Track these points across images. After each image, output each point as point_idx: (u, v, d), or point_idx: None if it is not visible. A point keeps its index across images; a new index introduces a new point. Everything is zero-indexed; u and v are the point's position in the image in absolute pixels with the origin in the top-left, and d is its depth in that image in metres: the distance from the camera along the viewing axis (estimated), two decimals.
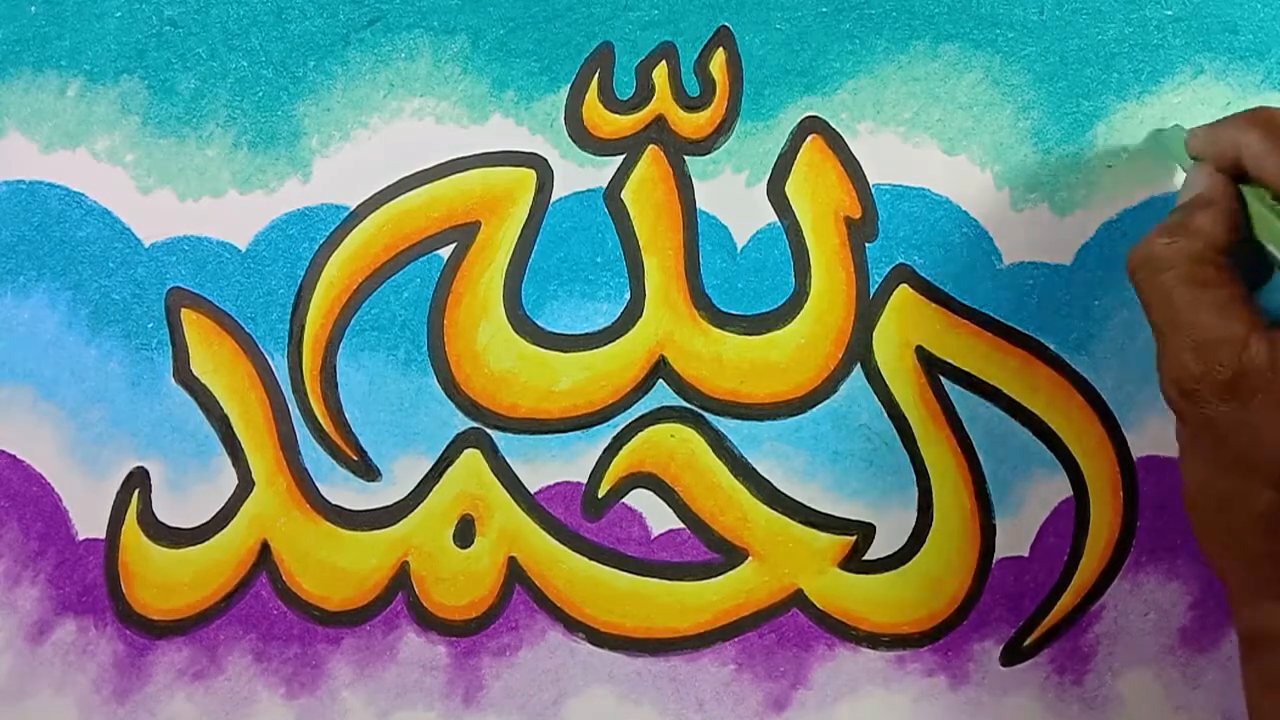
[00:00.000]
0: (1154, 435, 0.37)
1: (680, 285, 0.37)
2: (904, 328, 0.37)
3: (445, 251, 0.37)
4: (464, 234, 0.37)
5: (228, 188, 0.37)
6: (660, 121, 0.36)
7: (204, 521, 0.37)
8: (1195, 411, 0.31)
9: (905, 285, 0.36)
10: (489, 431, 0.37)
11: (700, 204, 0.37)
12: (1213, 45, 0.36)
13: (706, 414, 0.37)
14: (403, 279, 0.37)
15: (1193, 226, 0.32)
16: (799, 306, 0.37)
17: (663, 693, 0.37)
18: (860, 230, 0.36)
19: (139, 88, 0.37)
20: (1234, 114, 0.33)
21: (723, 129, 0.36)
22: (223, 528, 0.37)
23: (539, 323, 0.37)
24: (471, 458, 0.37)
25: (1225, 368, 0.30)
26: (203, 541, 0.37)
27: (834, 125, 0.36)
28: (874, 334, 0.36)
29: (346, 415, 0.37)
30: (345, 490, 0.37)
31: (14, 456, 0.37)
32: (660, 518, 0.37)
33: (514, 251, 0.37)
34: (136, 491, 0.37)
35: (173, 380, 0.37)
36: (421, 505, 0.37)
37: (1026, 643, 0.37)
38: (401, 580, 0.37)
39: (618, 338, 0.37)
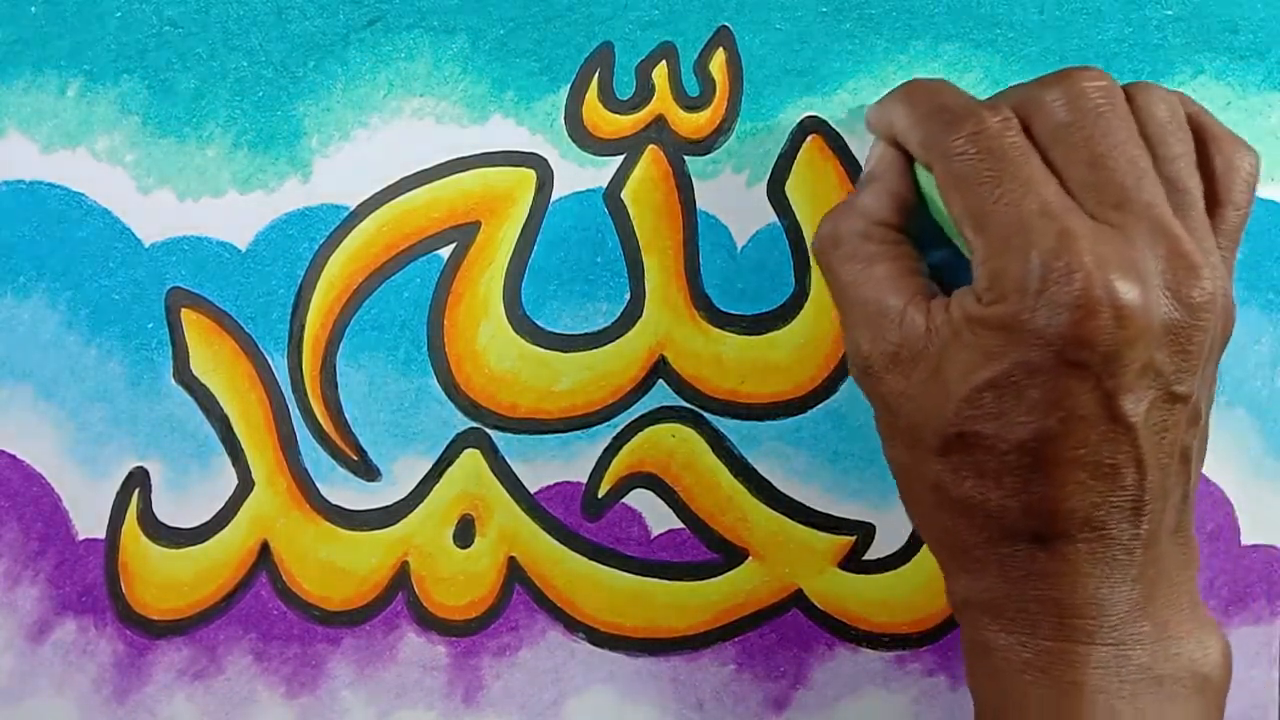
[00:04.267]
0: None
1: (680, 285, 0.37)
2: None
3: (445, 251, 0.37)
4: (464, 234, 0.37)
5: (228, 188, 0.37)
6: (660, 121, 0.37)
7: (204, 521, 0.37)
8: (873, 390, 0.31)
9: None
10: (489, 431, 0.37)
11: (700, 204, 0.37)
12: (1213, 45, 0.36)
13: (706, 414, 0.37)
14: (403, 279, 0.37)
15: (857, 204, 0.32)
16: (799, 306, 0.37)
17: (663, 693, 0.37)
18: None
19: (139, 88, 0.37)
20: (894, 89, 0.33)
21: (723, 129, 0.36)
22: (223, 528, 0.37)
23: (539, 323, 0.37)
24: (471, 458, 0.37)
25: (889, 342, 0.30)
26: (203, 541, 0.37)
27: (834, 125, 0.36)
28: None
29: (346, 415, 0.37)
30: (345, 490, 0.37)
31: (14, 456, 0.37)
32: (660, 518, 0.37)
33: (514, 251, 0.37)
34: (136, 491, 0.37)
35: (173, 380, 0.37)
36: (421, 505, 0.37)
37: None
38: (401, 580, 0.37)
39: (618, 338, 0.37)
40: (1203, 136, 0.30)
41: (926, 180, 0.31)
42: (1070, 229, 0.27)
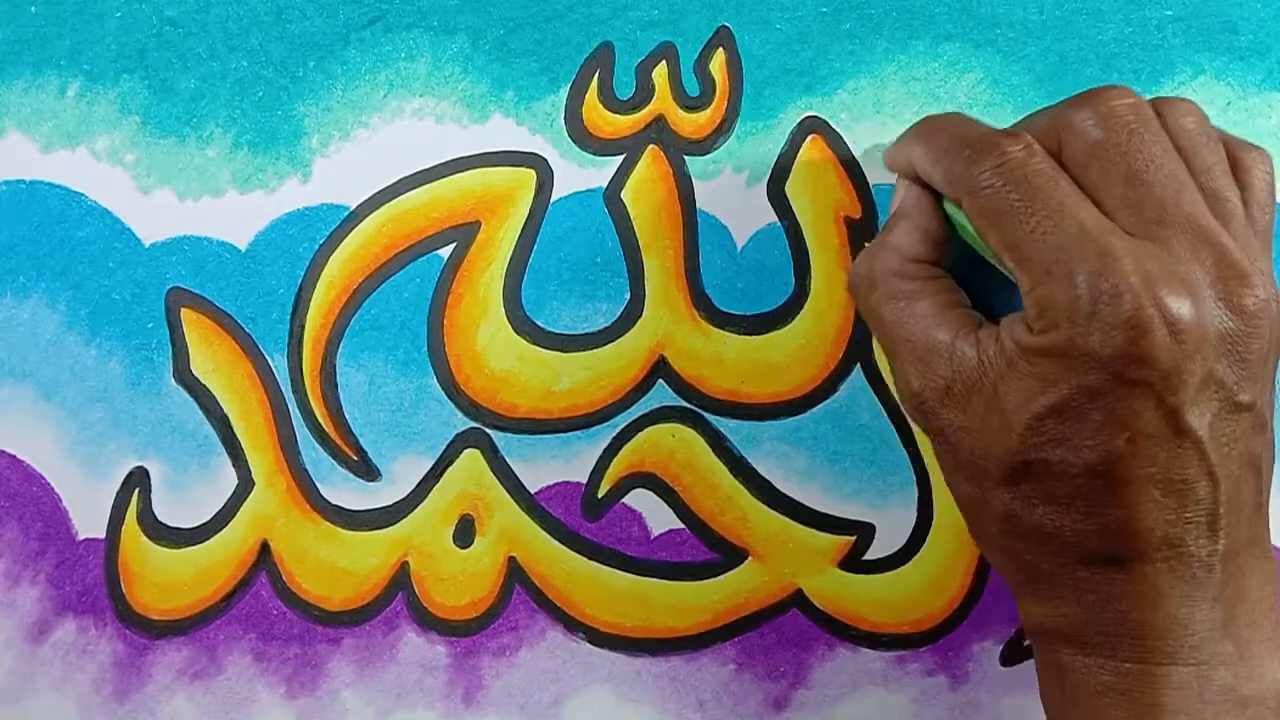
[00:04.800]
0: None
1: (680, 285, 0.37)
2: None
3: (445, 251, 0.37)
4: (464, 234, 0.37)
5: (228, 188, 0.37)
6: (660, 121, 0.37)
7: (204, 521, 0.37)
8: (929, 425, 0.31)
9: None
10: (489, 431, 0.37)
11: (700, 204, 0.37)
12: (1213, 45, 0.36)
13: (706, 414, 0.37)
14: (403, 279, 0.37)
15: (889, 243, 0.32)
16: (799, 306, 0.37)
17: (663, 693, 0.37)
18: (860, 230, 0.36)
19: (139, 88, 0.37)
20: (909, 128, 0.33)
21: (723, 129, 0.36)
22: (223, 528, 0.37)
23: (539, 323, 0.37)
24: (471, 458, 0.37)
25: (940, 377, 0.30)
26: (203, 541, 0.37)
27: (834, 125, 0.36)
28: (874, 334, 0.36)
29: (346, 415, 0.37)
30: (345, 490, 0.37)
31: (14, 456, 0.37)
32: (660, 518, 0.37)
33: (514, 251, 0.37)
34: (136, 491, 0.37)
35: (173, 380, 0.37)
36: (421, 505, 0.37)
37: (1026, 642, 0.37)
38: (401, 580, 0.37)
39: (618, 338, 0.37)
40: (1224, 148, 0.30)
41: (956, 212, 0.31)
42: (1111, 248, 0.27)
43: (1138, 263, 0.27)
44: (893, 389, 0.36)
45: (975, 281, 0.33)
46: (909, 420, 0.36)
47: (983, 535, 0.31)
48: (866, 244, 0.33)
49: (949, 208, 0.32)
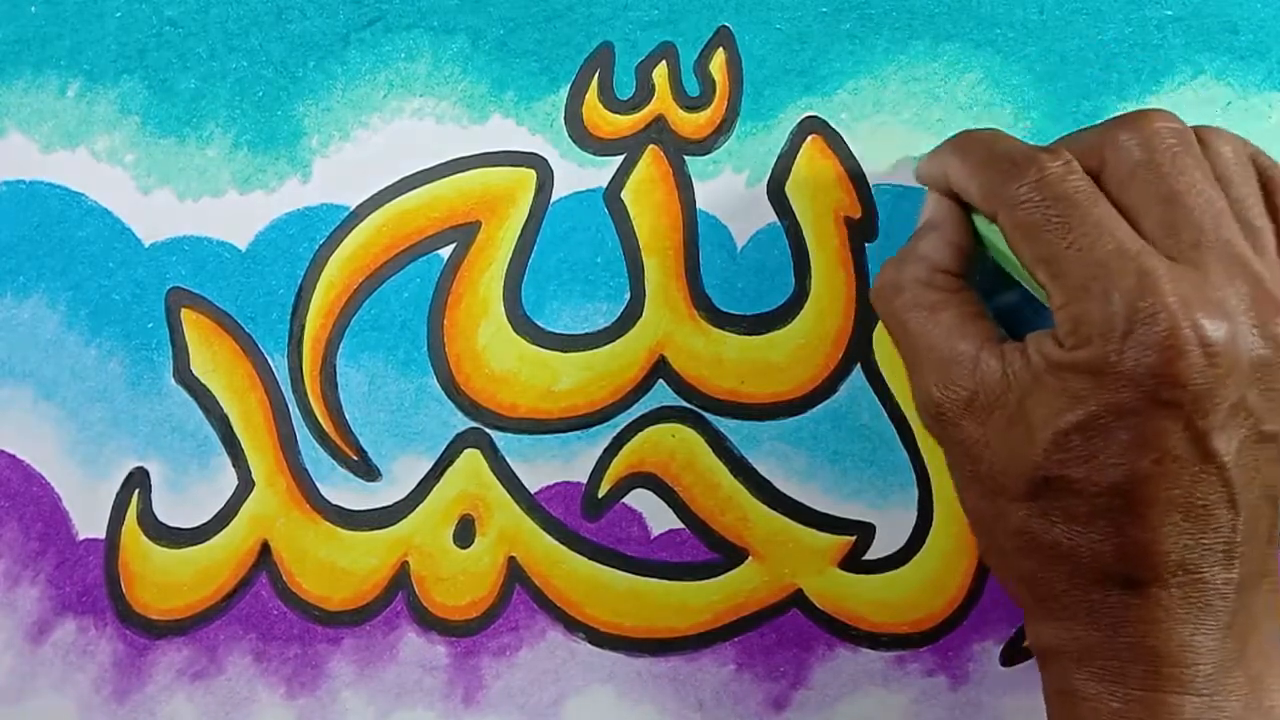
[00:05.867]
0: None
1: (680, 285, 0.37)
2: None
3: (445, 251, 0.37)
4: (464, 234, 0.37)
5: (228, 188, 0.37)
6: (660, 121, 0.37)
7: (204, 521, 0.37)
8: (947, 436, 0.31)
9: None
10: (489, 431, 0.37)
11: (700, 204, 0.37)
12: (1213, 45, 0.36)
13: (706, 414, 0.37)
14: (403, 279, 0.37)
15: (917, 252, 0.32)
16: (799, 306, 0.37)
17: (663, 693, 0.37)
18: (860, 230, 0.36)
19: (139, 88, 0.37)
20: (945, 141, 0.33)
21: (723, 129, 0.36)
22: (223, 528, 0.37)
23: (539, 323, 0.37)
24: (471, 458, 0.37)
25: (962, 388, 0.30)
26: (203, 541, 0.37)
27: (834, 125, 0.36)
28: (874, 334, 0.36)
29: (346, 415, 0.37)
30: (345, 490, 0.37)
31: (14, 456, 0.37)
32: (660, 518, 0.37)
33: (514, 251, 0.37)
34: (136, 491, 0.37)
35: (173, 380, 0.37)
36: (421, 505, 0.37)
37: (1026, 642, 0.37)
38: (401, 580, 0.37)
39: (618, 338, 0.37)
40: (1261, 176, 0.30)
41: (987, 227, 0.31)
42: (1150, 269, 0.27)
43: (1175, 284, 0.27)
44: (895, 391, 0.36)
45: (996, 301, 0.33)
46: (914, 423, 0.36)
47: (995, 551, 0.31)
48: (890, 256, 0.33)
49: (979, 223, 0.32)
